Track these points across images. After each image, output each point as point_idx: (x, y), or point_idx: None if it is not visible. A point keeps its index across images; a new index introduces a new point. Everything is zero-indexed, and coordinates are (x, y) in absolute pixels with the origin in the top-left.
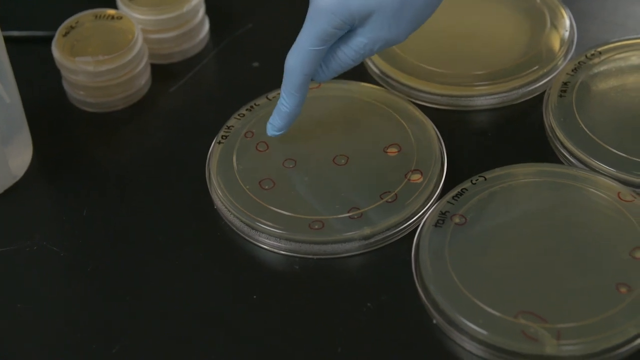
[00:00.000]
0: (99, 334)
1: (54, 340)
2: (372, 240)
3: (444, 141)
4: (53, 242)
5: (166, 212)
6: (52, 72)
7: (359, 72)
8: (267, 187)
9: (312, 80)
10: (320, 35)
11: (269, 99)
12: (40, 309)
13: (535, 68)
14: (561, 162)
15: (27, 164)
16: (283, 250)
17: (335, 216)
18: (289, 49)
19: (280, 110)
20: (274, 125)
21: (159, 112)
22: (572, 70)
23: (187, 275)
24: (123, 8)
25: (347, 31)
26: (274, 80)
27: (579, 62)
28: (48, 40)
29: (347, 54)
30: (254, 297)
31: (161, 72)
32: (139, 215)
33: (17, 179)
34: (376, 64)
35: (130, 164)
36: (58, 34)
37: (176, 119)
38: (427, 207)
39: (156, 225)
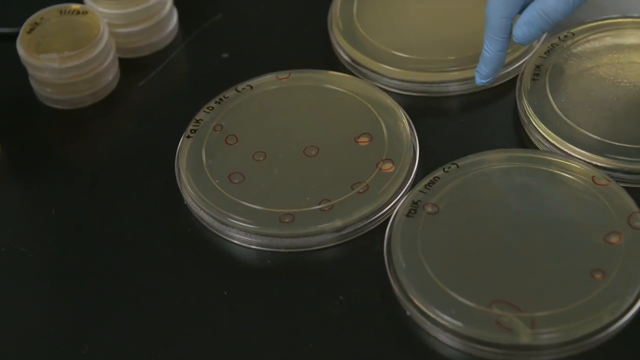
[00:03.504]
0: (69, 335)
1: (22, 342)
2: (343, 232)
3: (416, 129)
4: (21, 242)
5: (136, 209)
6: (19, 69)
7: (328, 61)
8: (236, 180)
9: (514, 39)
10: None
11: (239, 91)
12: (8, 311)
13: (508, 51)
14: (535, 147)
15: None
16: (254, 245)
17: (305, 209)
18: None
19: (485, 57)
20: (480, 73)
21: (128, 107)
22: (545, 53)
23: (157, 272)
24: (88, 2)
25: None
26: (244, 71)
27: (552, 45)
28: (13, 37)
29: (549, 3)
30: (225, 293)
31: (130, 66)
32: (108, 212)
33: None
34: (346, 51)
35: (100, 160)
36: (23, 30)
37: (145, 113)
38: (399, 196)
39: (126, 222)
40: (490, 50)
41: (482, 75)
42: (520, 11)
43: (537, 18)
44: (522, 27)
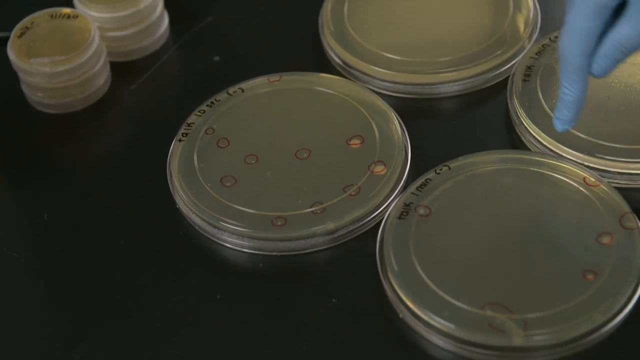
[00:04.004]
0: (61, 340)
1: (20, 344)
2: (336, 235)
3: (407, 131)
4: (13, 247)
5: (128, 213)
6: (10, 74)
7: (319, 63)
8: (228, 184)
9: (590, 74)
10: (592, 5)
11: (230, 94)
12: (6, 314)
13: (498, 52)
14: (527, 148)
15: None
16: (246, 249)
17: (297, 212)
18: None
19: (565, 100)
20: (562, 118)
21: (120, 111)
22: (536, 54)
23: (150, 277)
24: (79, 6)
25: (618, 2)
26: (235, 74)
27: (542, 45)
28: (4, 41)
29: (627, 35)
30: (218, 296)
31: (121, 70)
32: (100, 217)
33: None
34: (337, 54)
35: (91, 165)
36: (13, 35)
37: (137, 117)
38: (391, 199)
39: (117, 226)
40: (571, 92)
41: (564, 121)
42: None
43: (615, 51)
44: (600, 61)
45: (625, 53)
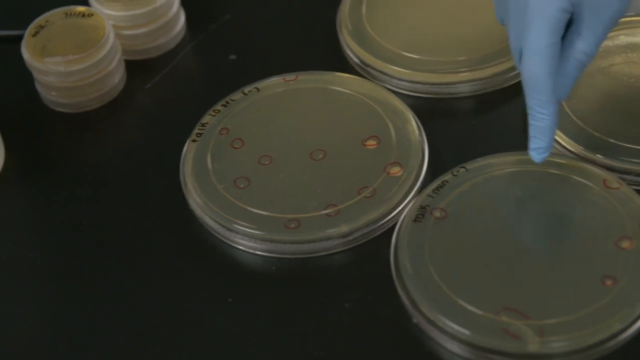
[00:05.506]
0: (73, 341)
1: (27, 347)
2: (350, 237)
3: (424, 131)
4: (27, 248)
5: (141, 214)
6: (25, 72)
7: (337, 62)
8: (242, 185)
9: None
10: (551, 22)
11: (245, 94)
12: (13, 316)
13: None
14: None
15: (0, 168)
16: (259, 251)
17: (311, 214)
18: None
19: (540, 127)
20: (540, 147)
21: (134, 110)
22: None
23: (162, 278)
24: (94, 4)
25: (570, 15)
26: (251, 73)
27: None
28: (18, 39)
29: (583, 49)
30: (230, 299)
31: (137, 69)
32: (113, 217)
33: None
34: (355, 53)
35: (105, 164)
36: (27, 33)
37: (151, 116)
38: (406, 201)
39: (130, 227)
40: (546, 116)
41: (542, 150)
42: None
43: (574, 69)
44: (563, 81)
45: (582, 69)
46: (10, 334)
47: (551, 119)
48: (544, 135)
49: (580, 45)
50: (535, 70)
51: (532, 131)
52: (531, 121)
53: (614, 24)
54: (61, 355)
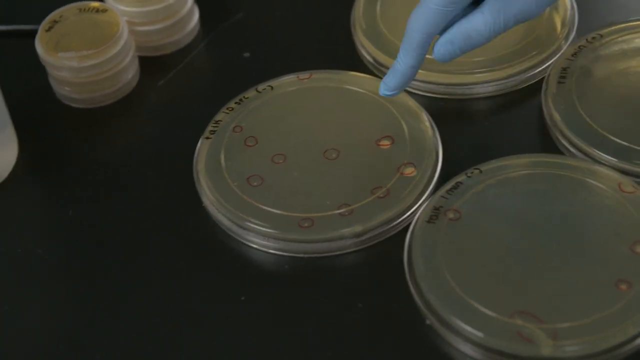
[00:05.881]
0: (83, 339)
1: (36, 344)
2: (363, 237)
3: (439, 132)
4: (38, 244)
5: (153, 211)
6: (38, 68)
7: (351, 61)
8: (255, 183)
9: (434, 58)
10: None
11: (259, 92)
12: (22, 315)
13: (534, 53)
14: (561, 152)
15: (12, 164)
16: (272, 250)
17: (325, 213)
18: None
19: (395, 69)
20: (387, 84)
21: (148, 106)
22: (572, 55)
23: (173, 276)
24: (108, 0)
25: None
26: (265, 71)
27: (579, 47)
28: (34, 34)
29: (475, 26)
30: (242, 298)
31: (150, 65)
32: (125, 215)
33: (1, 179)
34: (369, 52)
35: (118, 161)
36: (41, 28)
37: (165, 113)
38: (420, 202)
39: (142, 224)
40: (402, 63)
41: (388, 87)
42: (443, 30)
43: (461, 39)
44: (444, 46)
45: (471, 44)
46: (10, 334)
47: (404, 68)
48: (394, 77)
49: (477, 22)
50: (413, 21)
51: (390, 70)
52: (395, 60)
53: (517, 22)
54: (61, 355)
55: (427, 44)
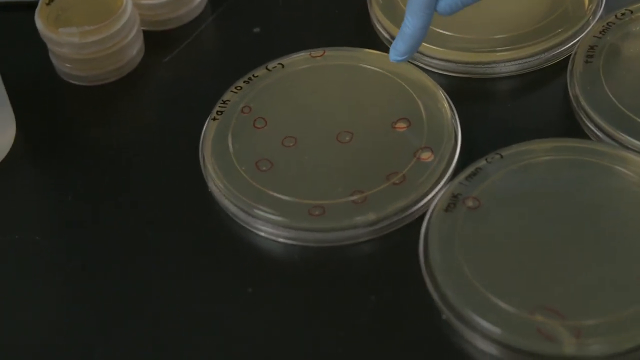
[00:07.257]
0: (82, 332)
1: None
2: (377, 226)
3: (458, 114)
4: (35, 230)
5: (157, 197)
6: (38, 43)
7: (366, 38)
8: (264, 168)
9: (436, 11)
10: None
11: (269, 70)
12: (19, 305)
13: (559, 30)
14: (587, 137)
15: (10, 145)
16: (281, 238)
17: (337, 200)
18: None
19: (404, 32)
20: (397, 49)
21: (152, 84)
22: (600, 32)
23: (178, 264)
24: None
25: None
26: (276, 47)
27: (607, 23)
28: (33, 6)
29: None
30: (250, 289)
31: (156, 40)
32: (127, 200)
33: None
34: (386, 28)
35: (120, 143)
36: (41, 1)
37: (170, 92)
38: (437, 188)
39: (146, 211)
40: (410, 25)
41: (398, 52)
42: None
43: None
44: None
45: None
46: (10, 334)
47: (413, 30)
48: (403, 41)
49: None
50: None
51: (398, 34)
52: (402, 25)
53: None
54: (62, 355)
55: (433, 3)
